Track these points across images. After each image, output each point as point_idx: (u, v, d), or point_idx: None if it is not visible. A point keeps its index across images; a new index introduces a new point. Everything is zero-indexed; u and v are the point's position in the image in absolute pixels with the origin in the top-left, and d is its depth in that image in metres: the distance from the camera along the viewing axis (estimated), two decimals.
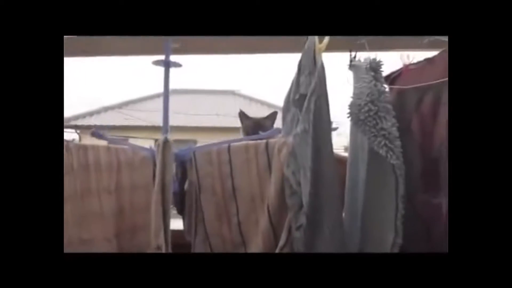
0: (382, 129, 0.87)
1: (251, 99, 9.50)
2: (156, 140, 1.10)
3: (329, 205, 0.91)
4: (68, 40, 0.79)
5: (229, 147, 1.10)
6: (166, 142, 1.04)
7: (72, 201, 1.00)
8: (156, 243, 0.99)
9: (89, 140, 1.15)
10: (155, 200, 1.01)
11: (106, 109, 9.02)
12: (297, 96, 1.01)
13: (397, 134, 0.88)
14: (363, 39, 1.07)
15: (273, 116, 1.37)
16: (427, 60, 1.01)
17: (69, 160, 1.01)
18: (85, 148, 1.06)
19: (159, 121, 1.19)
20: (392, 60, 1.07)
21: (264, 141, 1.07)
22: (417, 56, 1.04)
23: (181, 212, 1.17)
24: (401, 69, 1.07)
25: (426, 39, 1.01)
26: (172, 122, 1.20)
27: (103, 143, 1.16)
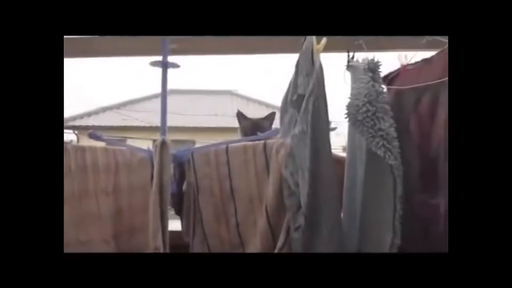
0: (380, 129, 0.87)
1: (248, 99, 9.49)
2: (154, 141, 1.10)
3: (328, 205, 0.91)
4: (67, 40, 0.78)
5: (227, 148, 1.10)
6: (163, 143, 1.04)
7: (70, 202, 1.00)
8: (154, 245, 0.99)
9: (87, 141, 1.15)
10: (153, 201, 1.01)
11: (104, 109, 9.00)
12: (295, 97, 1.01)
13: (395, 134, 0.88)
14: (361, 40, 1.08)
15: (271, 116, 1.36)
16: (425, 60, 1.01)
17: (67, 161, 1.01)
18: (82, 149, 1.06)
19: (157, 122, 1.19)
20: (390, 60, 1.07)
21: (262, 142, 1.07)
22: (415, 56, 1.04)
23: (179, 213, 1.17)
24: (398, 69, 1.07)
25: (424, 39, 1.01)
26: (170, 122, 1.20)
27: (101, 144, 1.15)
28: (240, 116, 1.38)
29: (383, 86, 0.94)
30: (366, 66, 0.92)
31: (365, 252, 0.94)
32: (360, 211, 0.95)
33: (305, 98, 0.93)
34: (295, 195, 0.96)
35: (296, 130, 0.97)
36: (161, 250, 0.99)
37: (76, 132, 7.95)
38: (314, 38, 0.96)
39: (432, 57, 0.99)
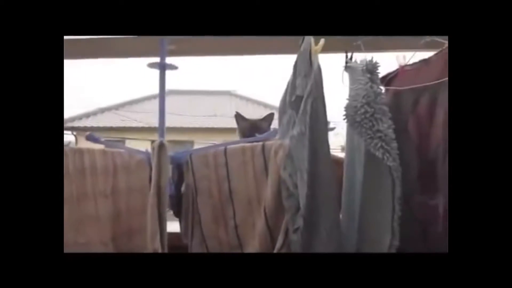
0: (378, 131, 0.87)
1: (247, 99, 9.49)
2: (152, 142, 1.10)
3: (326, 207, 0.91)
4: (65, 42, 0.78)
5: (225, 149, 1.09)
6: (161, 145, 1.04)
7: (68, 205, 0.99)
8: (152, 247, 0.99)
9: (85, 142, 1.14)
10: (151, 204, 1.01)
11: (102, 110, 9.00)
12: (293, 98, 1.01)
13: (393, 136, 0.88)
14: (360, 40, 1.07)
15: (269, 117, 1.36)
16: (423, 61, 1.01)
17: (65, 164, 1.01)
18: (81, 152, 1.05)
19: (155, 122, 1.18)
20: (388, 61, 1.07)
21: (261, 143, 1.07)
22: (413, 57, 1.04)
23: (177, 214, 1.17)
24: (397, 70, 1.07)
25: (423, 40, 1.01)
26: (169, 123, 1.20)
27: (99, 146, 1.15)
28: (239, 117, 1.38)
29: (381, 87, 0.93)
30: (364, 67, 0.92)
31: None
32: (358, 213, 0.95)
33: (303, 99, 0.93)
34: (293, 196, 0.95)
35: (295, 131, 0.96)
36: (159, 252, 0.99)
37: (74, 133, 7.95)
38: (312, 39, 0.96)
39: (430, 57, 0.99)
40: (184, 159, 1.12)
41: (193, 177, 1.11)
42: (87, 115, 8.80)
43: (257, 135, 1.23)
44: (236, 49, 1.28)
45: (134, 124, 8.22)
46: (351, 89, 0.97)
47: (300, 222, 0.92)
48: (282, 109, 1.13)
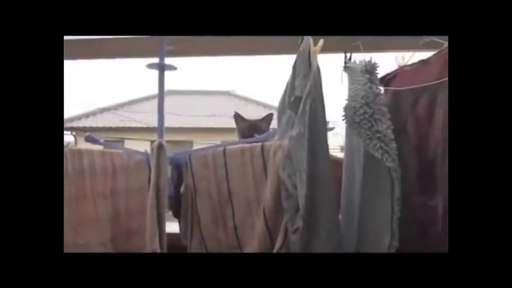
0: (377, 131, 0.87)
1: (246, 99, 9.51)
2: (152, 142, 1.10)
3: (326, 207, 0.91)
4: (64, 42, 0.78)
5: (224, 150, 1.09)
6: (160, 146, 1.04)
7: (67, 206, 0.99)
8: (152, 247, 0.99)
9: (84, 143, 1.15)
10: (150, 205, 1.01)
11: (101, 110, 9.00)
12: (292, 99, 1.01)
13: (392, 136, 0.88)
14: (359, 40, 1.07)
15: (268, 118, 1.36)
16: (422, 61, 1.01)
17: (64, 165, 1.01)
18: (80, 153, 1.06)
19: (154, 123, 1.18)
20: (387, 61, 1.07)
21: (260, 144, 1.07)
22: (412, 57, 1.04)
23: (176, 215, 1.17)
24: (396, 70, 1.07)
25: (422, 40, 1.01)
26: (168, 123, 1.20)
27: (98, 147, 1.15)
28: (238, 117, 1.38)
29: (380, 87, 0.93)
30: (363, 68, 0.92)
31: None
32: (358, 213, 0.95)
33: (303, 100, 0.93)
34: (292, 197, 0.95)
35: (294, 132, 0.96)
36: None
37: (73, 133, 7.95)
38: (311, 39, 0.96)
39: (429, 58, 0.99)
40: (183, 160, 1.12)
41: (192, 178, 1.11)
42: (86, 115, 8.81)
43: (256, 135, 1.23)
44: (235, 49, 1.27)
45: (133, 124, 8.23)
46: (350, 90, 0.97)
47: (299, 222, 0.92)
48: (281, 110, 1.13)
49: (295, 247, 0.93)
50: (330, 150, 0.94)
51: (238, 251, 1.08)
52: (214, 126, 7.92)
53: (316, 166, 0.89)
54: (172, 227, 1.15)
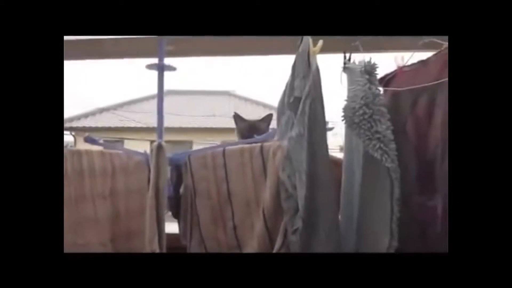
0: (376, 132, 0.87)
1: (246, 99, 9.50)
2: (151, 142, 1.10)
3: (325, 208, 0.91)
4: (64, 42, 0.78)
5: (224, 151, 1.09)
6: (160, 147, 1.04)
7: (67, 206, 0.99)
8: (151, 248, 0.99)
9: (84, 143, 1.15)
10: (149, 205, 1.01)
11: (101, 110, 9.00)
12: (291, 99, 1.01)
13: (391, 137, 0.88)
14: (358, 41, 1.07)
15: (268, 118, 1.36)
16: (421, 62, 1.01)
17: (64, 166, 1.01)
18: (79, 153, 1.06)
19: (154, 123, 1.18)
20: (386, 61, 1.06)
21: (259, 144, 1.07)
22: (412, 58, 1.04)
23: (176, 216, 1.17)
24: (395, 71, 1.07)
25: (421, 40, 1.01)
26: (168, 123, 1.20)
27: (97, 148, 1.15)
28: (237, 118, 1.38)
29: (380, 88, 0.93)
30: (363, 69, 0.92)
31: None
32: (357, 214, 0.95)
33: (302, 101, 0.93)
34: (292, 198, 0.95)
35: (293, 132, 0.96)
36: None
37: (73, 133, 7.94)
38: (310, 40, 0.96)
39: (429, 58, 0.99)
40: (183, 160, 1.12)
41: (192, 179, 1.11)
42: (86, 115, 8.81)
43: (255, 136, 1.23)
44: (235, 49, 1.28)
45: (132, 124, 8.23)
46: (349, 90, 0.97)
47: (299, 223, 0.92)
48: (281, 110, 1.13)
49: (295, 248, 0.93)
50: (329, 151, 0.94)
51: (237, 251, 1.08)
52: (213, 126, 7.92)
53: (315, 166, 0.89)
54: (172, 227, 1.14)
